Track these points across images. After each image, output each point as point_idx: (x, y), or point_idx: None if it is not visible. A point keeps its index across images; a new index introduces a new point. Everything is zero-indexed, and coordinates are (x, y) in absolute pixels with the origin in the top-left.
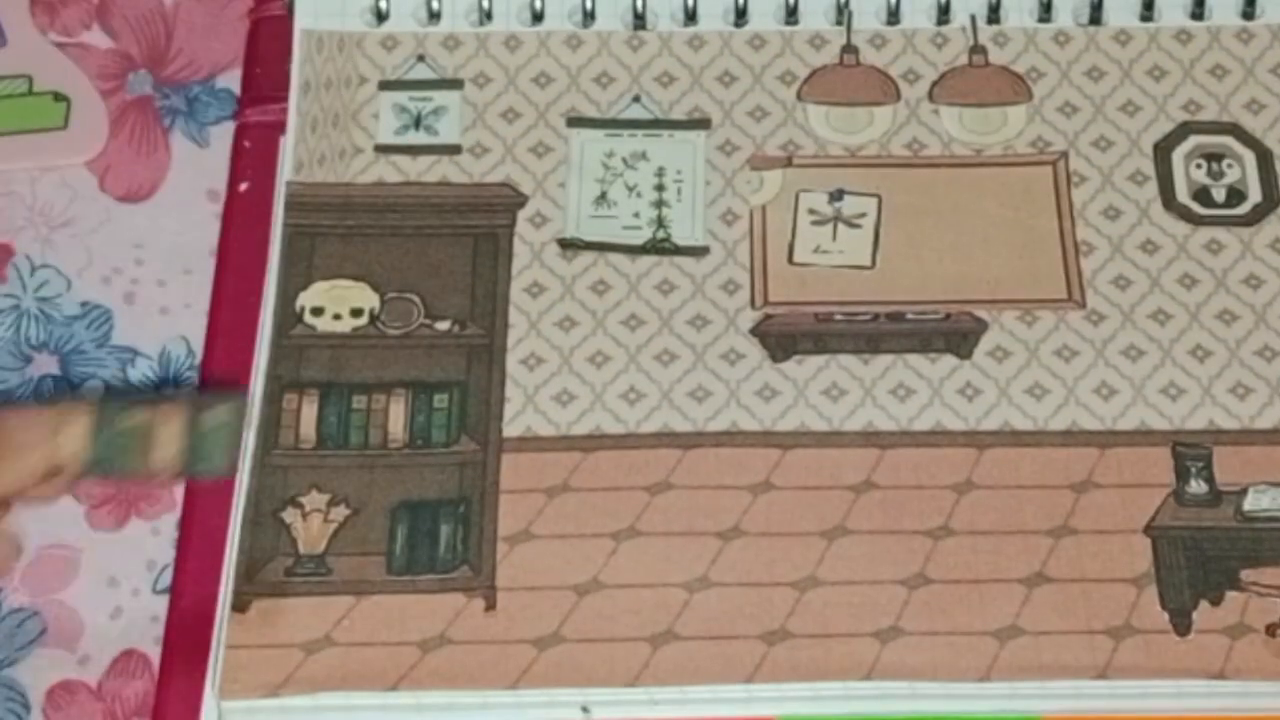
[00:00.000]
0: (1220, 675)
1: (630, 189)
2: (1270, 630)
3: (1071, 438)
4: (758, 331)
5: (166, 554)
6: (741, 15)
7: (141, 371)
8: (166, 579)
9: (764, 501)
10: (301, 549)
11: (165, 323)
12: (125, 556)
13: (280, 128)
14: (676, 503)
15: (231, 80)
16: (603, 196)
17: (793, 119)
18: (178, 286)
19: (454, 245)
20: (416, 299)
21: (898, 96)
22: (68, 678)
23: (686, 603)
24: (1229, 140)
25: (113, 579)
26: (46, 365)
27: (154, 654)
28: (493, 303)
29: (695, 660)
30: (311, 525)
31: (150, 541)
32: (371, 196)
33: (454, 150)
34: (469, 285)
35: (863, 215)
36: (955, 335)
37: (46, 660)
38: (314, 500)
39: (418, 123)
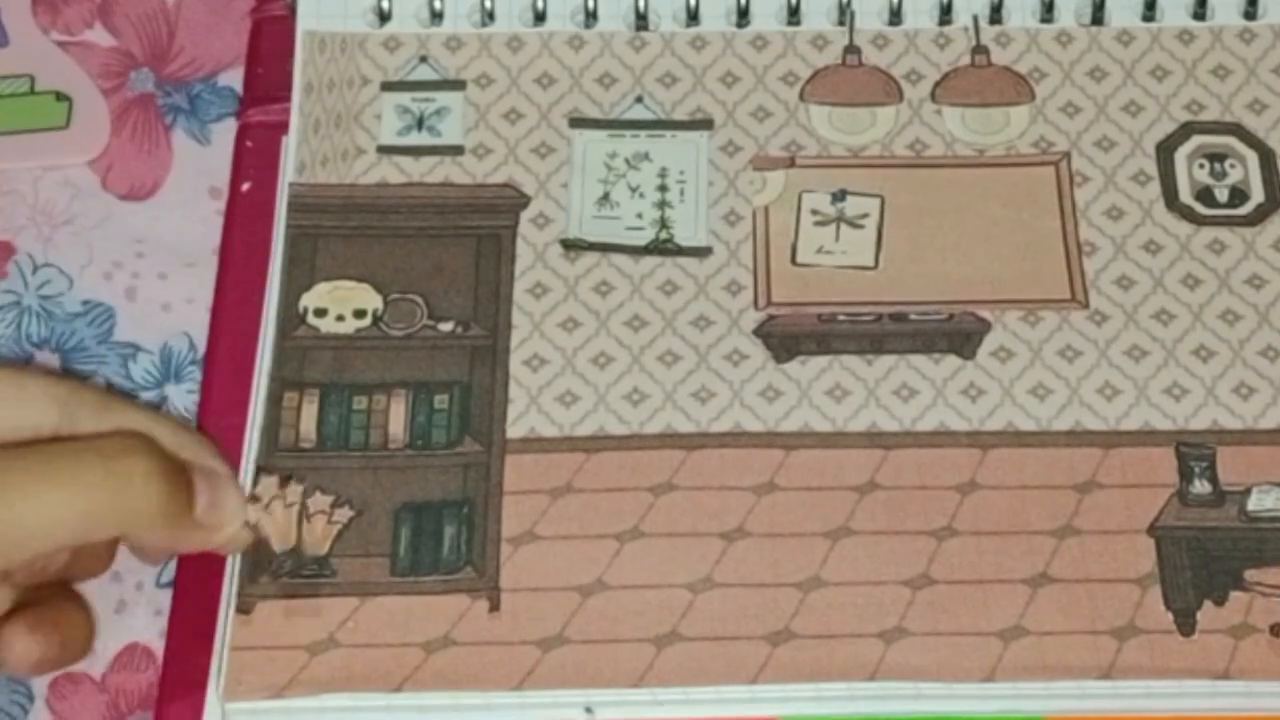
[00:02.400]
0: (1224, 675)
1: (633, 190)
2: (1275, 630)
3: (1075, 438)
4: (761, 332)
5: None
6: (744, 16)
7: (143, 367)
8: (170, 572)
9: (768, 502)
10: (305, 551)
11: (167, 319)
12: (130, 551)
13: (282, 128)
14: (680, 503)
15: (233, 78)
16: (605, 197)
17: (795, 119)
18: (180, 281)
19: (457, 246)
20: (420, 300)
21: (900, 97)
22: (71, 670)
23: (690, 603)
24: (1231, 140)
25: (116, 573)
26: (47, 363)
27: (158, 647)
28: (496, 304)
29: (699, 661)
30: (315, 527)
31: None
32: (374, 197)
33: (457, 151)
34: (472, 286)
35: (865, 216)
36: (958, 336)
37: None
38: (318, 502)
39: (420, 124)
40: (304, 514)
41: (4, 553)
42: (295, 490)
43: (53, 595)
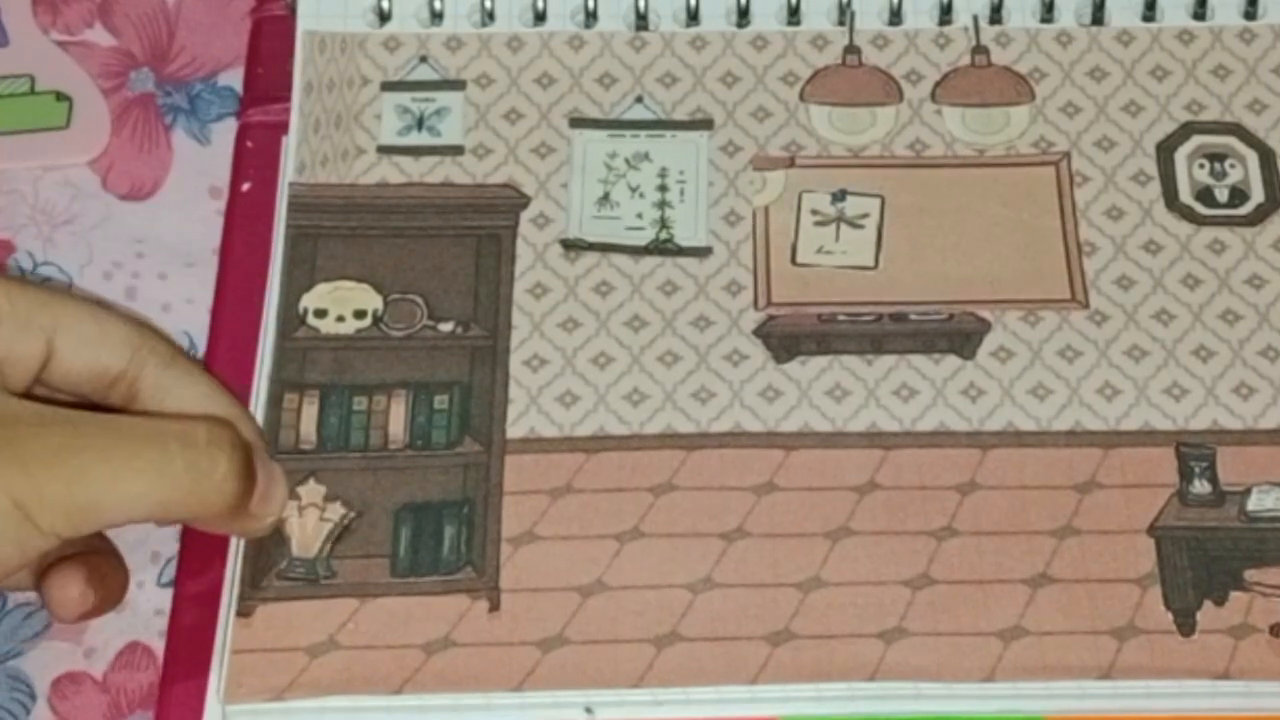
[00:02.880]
0: (1224, 675)
1: (633, 190)
2: (1274, 630)
3: (1075, 438)
4: (761, 332)
5: (171, 547)
6: (744, 16)
7: None
8: (171, 571)
9: (768, 502)
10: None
11: (167, 319)
12: (130, 549)
13: (282, 128)
14: (680, 504)
15: (233, 78)
16: (605, 197)
17: (795, 119)
18: (180, 281)
19: (457, 246)
20: (420, 300)
21: (900, 97)
22: (73, 669)
23: (690, 604)
24: (1231, 140)
25: None
26: None
27: (159, 647)
28: (496, 304)
29: (699, 661)
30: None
31: (155, 534)
32: (374, 197)
33: (457, 151)
34: (472, 286)
35: (865, 216)
36: (958, 336)
37: (52, 652)
38: (334, 510)
39: (420, 124)
40: (335, 533)
41: (74, 526)
42: (336, 509)
43: (92, 544)
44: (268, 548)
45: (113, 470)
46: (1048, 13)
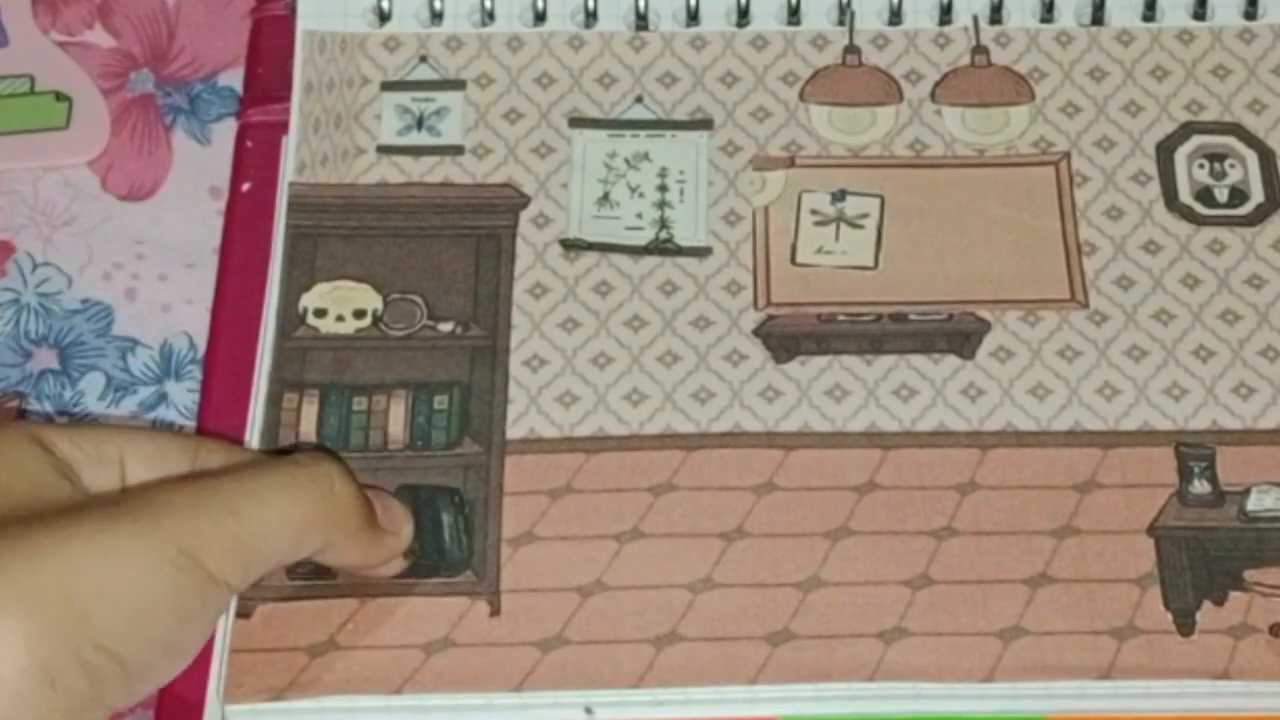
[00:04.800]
0: (1224, 675)
1: (633, 189)
2: (1274, 630)
3: (1074, 438)
4: (760, 332)
5: None
6: (744, 16)
7: (142, 361)
8: None
9: (767, 502)
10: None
11: (167, 319)
12: None
13: (282, 128)
14: (680, 504)
15: (233, 78)
16: (605, 197)
17: (795, 119)
18: (180, 282)
19: (457, 246)
20: (419, 300)
21: (900, 97)
22: None
23: (690, 604)
24: (1231, 140)
25: None
26: (46, 359)
27: None
28: (495, 304)
29: (699, 661)
30: None
31: None
32: (374, 197)
33: (456, 151)
34: (472, 286)
35: (865, 216)
36: (958, 336)
37: None
38: None
39: (420, 123)
40: None
41: (243, 564)
42: None
43: None
44: None
45: (254, 495)
46: (1048, 13)
